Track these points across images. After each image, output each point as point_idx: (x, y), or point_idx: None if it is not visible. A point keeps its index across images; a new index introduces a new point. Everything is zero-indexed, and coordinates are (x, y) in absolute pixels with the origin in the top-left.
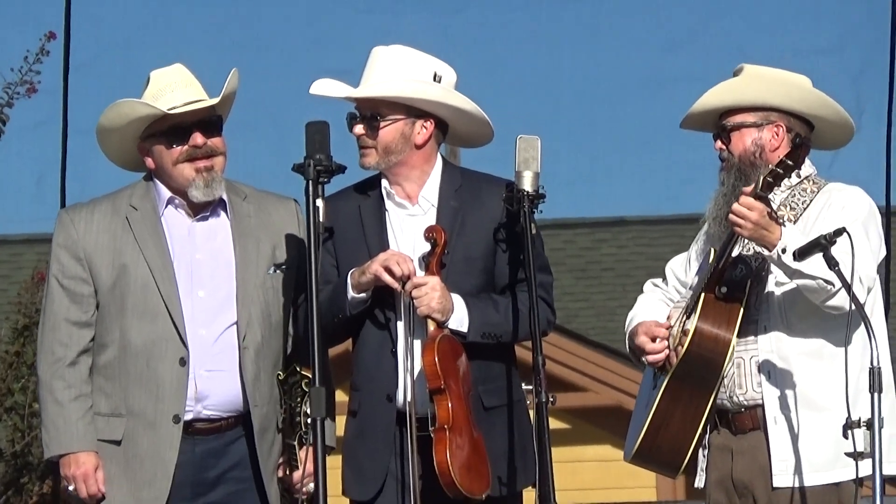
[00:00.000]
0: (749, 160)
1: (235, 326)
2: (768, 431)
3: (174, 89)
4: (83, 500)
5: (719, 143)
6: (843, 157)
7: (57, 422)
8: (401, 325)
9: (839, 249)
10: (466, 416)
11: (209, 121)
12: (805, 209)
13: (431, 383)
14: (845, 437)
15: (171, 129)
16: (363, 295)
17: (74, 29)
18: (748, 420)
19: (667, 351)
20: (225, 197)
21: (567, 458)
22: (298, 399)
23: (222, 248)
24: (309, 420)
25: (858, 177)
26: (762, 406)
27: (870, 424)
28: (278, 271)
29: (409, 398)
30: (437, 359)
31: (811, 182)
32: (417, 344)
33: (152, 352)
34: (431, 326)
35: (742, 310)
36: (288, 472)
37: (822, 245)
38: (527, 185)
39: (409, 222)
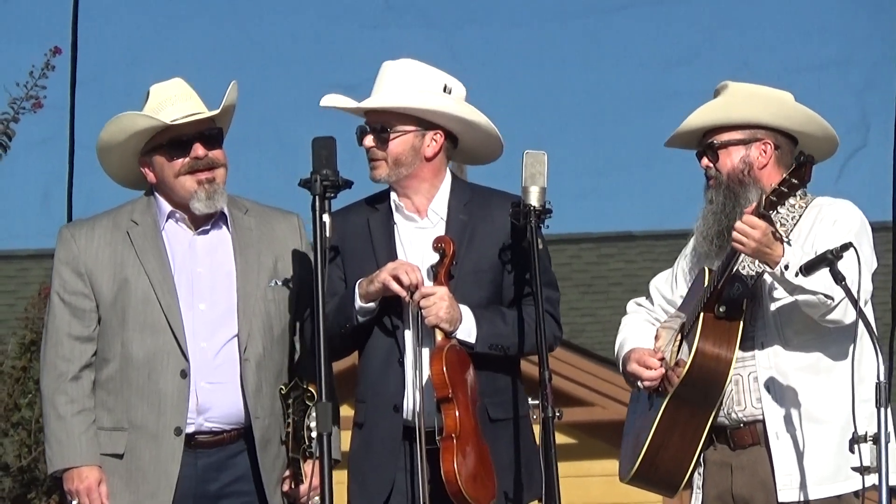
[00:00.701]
0: (738, 178)
1: (237, 339)
2: (770, 446)
3: (174, 102)
4: None
5: (705, 160)
6: (850, 172)
7: (60, 436)
8: (408, 335)
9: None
10: (474, 426)
11: (210, 133)
12: (795, 224)
13: (439, 392)
14: (851, 451)
15: (172, 141)
16: (371, 304)
17: (81, 44)
18: (748, 435)
19: (661, 374)
20: (226, 210)
21: (573, 472)
22: (302, 412)
23: (223, 261)
24: (314, 434)
25: (865, 191)
26: (762, 421)
27: (876, 439)
28: (280, 284)
29: (417, 409)
30: (444, 368)
31: (798, 197)
32: (426, 354)
33: (153, 365)
34: (439, 336)
35: (741, 328)
36: (293, 486)
37: (828, 260)
38: (533, 200)
39: (418, 235)
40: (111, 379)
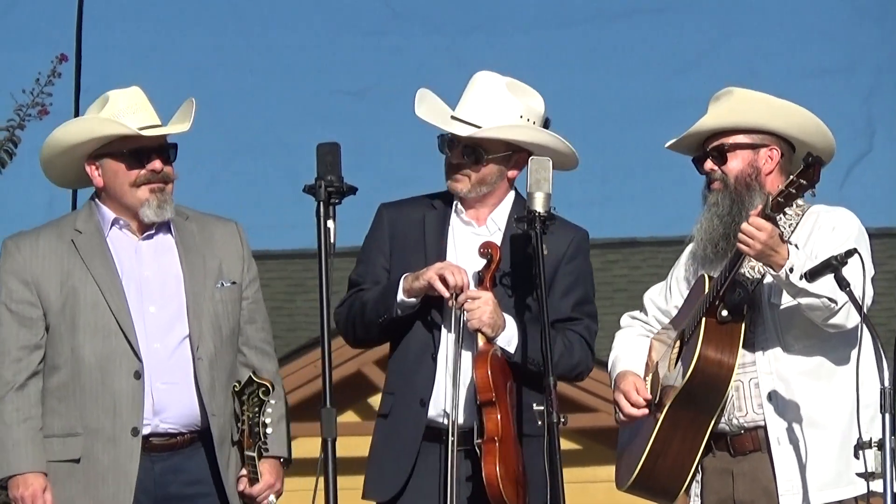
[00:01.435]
0: (745, 181)
1: (188, 339)
2: (772, 452)
3: (135, 111)
4: None
5: (709, 163)
6: (855, 178)
7: (5, 443)
8: (444, 335)
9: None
10: (513, 432)
11: (168, 148)
12: (792, 232)
13: (483, 395)
14: (856, 457)
15: (134, 151)
16: (413, 300)
17: (86, 52)
18: (748, 442)
19: (644, 414)
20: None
21: (579, 478)
22: (257, 409)
23: (170, 264)
24: (269, 430)
25: (870, 196)
26: (763, 427)
27: (880, 444)
28: (227, 285)
29: (449, 409)
30: (489, 371)
31: (795, 206)
32: (466, 356)
33: (106, 367)
34: (481, 341)
35: (743, 333)
36: (249, 486)
37: (833, 266)
38: (538, 206)
39: (472, 240)
40: (62, 385)
